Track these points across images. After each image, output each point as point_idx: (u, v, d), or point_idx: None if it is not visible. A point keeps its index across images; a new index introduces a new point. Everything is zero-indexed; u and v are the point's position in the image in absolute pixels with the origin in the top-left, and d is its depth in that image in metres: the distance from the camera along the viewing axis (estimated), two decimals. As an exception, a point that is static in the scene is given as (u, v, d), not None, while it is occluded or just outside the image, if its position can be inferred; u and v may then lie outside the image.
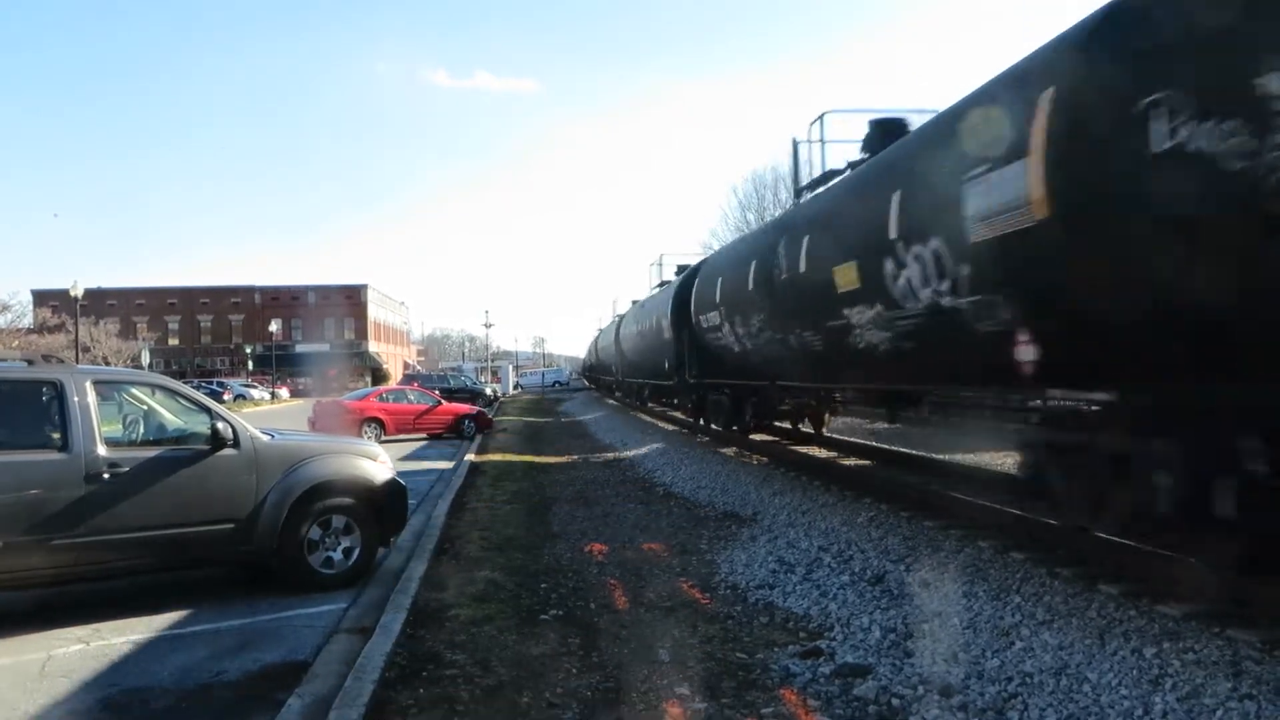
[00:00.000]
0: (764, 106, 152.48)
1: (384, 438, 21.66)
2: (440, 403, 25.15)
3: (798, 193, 12.52)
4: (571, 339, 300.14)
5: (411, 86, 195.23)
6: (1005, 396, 7.38)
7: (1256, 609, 5.13)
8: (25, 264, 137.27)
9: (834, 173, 11.08)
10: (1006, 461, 13.88)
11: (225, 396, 50.35)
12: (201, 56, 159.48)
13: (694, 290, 17.29)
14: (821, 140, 11.81)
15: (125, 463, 6.41)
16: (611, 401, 41.07)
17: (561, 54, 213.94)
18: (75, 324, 45.70)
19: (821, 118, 11.93)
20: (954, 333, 6.93)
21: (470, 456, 17.68)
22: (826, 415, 16.49)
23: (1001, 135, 5.77)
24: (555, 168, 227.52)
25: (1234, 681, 4.38)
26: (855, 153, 10.43)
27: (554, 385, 75.96)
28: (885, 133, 9.72)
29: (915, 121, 9.27)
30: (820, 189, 11.33)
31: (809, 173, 12.14)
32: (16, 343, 46.71)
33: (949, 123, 7.13)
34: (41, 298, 70.93)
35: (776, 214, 33.87)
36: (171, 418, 7.20)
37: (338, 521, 7.32)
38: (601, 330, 49.16)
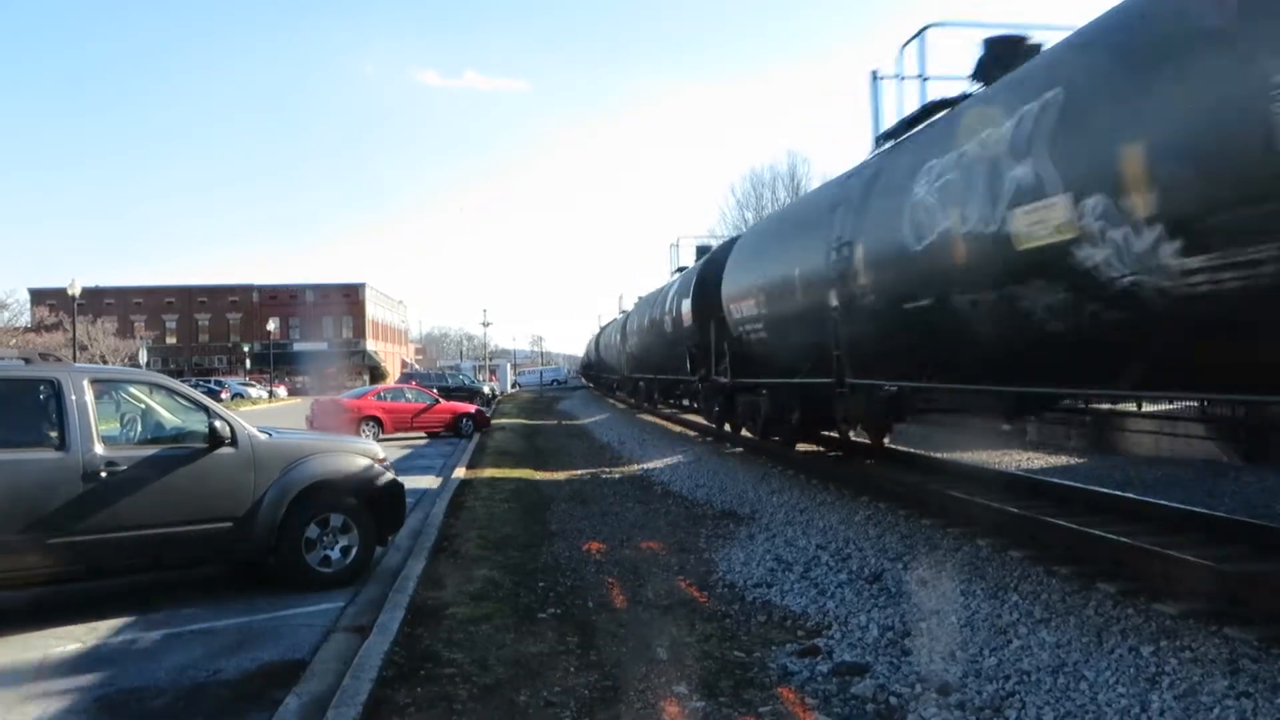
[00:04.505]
0: (763, 106, 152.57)
1: (382, 436, 21.65)
2: (438, 401, 25.10)
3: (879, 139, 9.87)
4: (569, 338, 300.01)
5: (404, 87, 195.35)
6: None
7: (1253, 607, 5.14)
8: (23, 262, 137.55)
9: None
10: (1004, 460, 13.87)
11: (223, 395, 50.30)
12: (195, 58, 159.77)
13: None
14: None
15: (123, 461, 6.40)
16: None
17: (551, 54, 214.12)
18: (73, 322, 45.64)
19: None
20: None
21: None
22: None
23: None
24: (553, 167, 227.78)
25: (1231, 679, 4.38)
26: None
27: (552, 384, 76.10)
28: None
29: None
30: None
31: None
32: (14, 341, 46.70)
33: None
34: (39, 296, 70.99)
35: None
36: (169, 416, 7.18)
37: (335, 520, 7.32)
38: (603, 327, 47.18)
